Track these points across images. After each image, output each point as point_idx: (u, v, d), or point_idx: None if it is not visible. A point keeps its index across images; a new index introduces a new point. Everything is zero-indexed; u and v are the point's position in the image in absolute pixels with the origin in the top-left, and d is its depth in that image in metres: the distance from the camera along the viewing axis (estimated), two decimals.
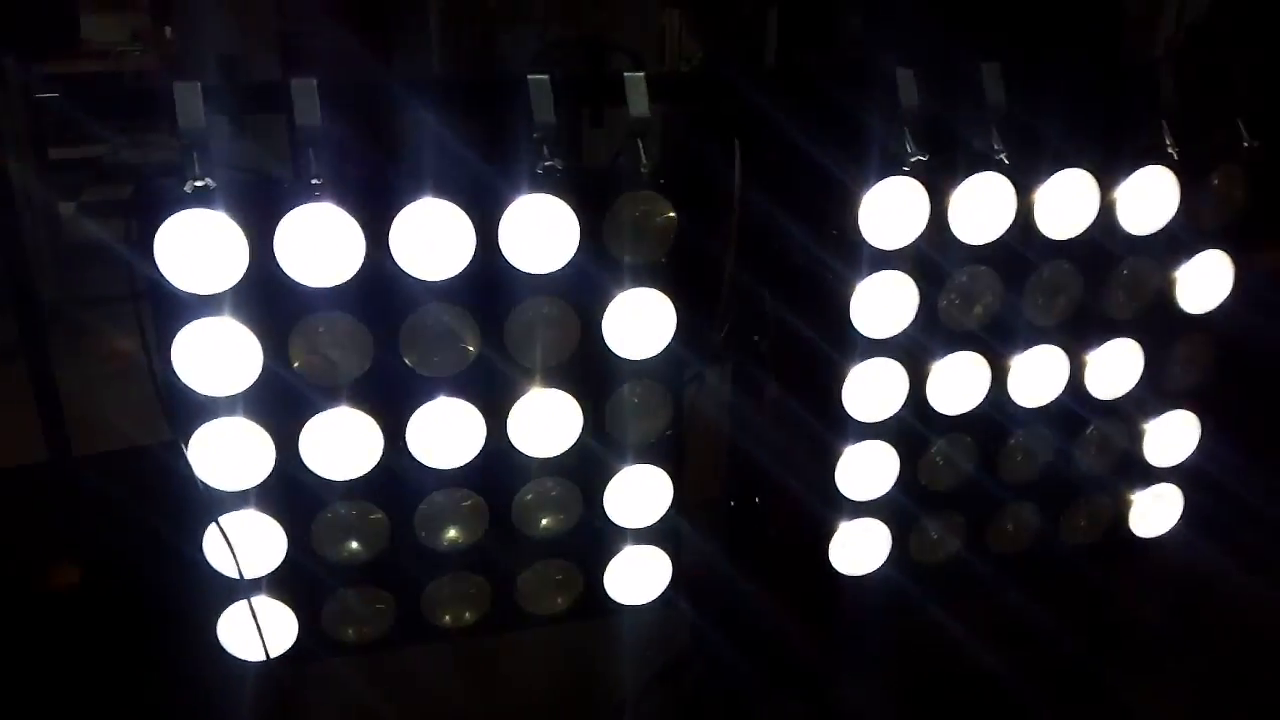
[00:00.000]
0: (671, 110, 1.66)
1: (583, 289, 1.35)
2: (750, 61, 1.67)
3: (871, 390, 1.50)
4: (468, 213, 1.24)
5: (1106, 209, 1.45)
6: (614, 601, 1.57)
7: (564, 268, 1.31)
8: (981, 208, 1.41)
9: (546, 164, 1.24)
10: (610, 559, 1.54)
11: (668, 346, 1.41)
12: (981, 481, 1.62)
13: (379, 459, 1.35)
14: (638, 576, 1.56)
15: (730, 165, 1.37)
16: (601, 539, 1.53)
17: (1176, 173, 1.44)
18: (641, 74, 1.24)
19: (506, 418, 1.39)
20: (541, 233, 1.28)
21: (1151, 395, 1.62)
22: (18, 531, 1.63)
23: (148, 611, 1.71)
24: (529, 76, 1.21)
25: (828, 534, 1.59)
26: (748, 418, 1.64)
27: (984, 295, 1.49)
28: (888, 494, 1.57)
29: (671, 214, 1.34)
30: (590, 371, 1.41)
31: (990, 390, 1.55)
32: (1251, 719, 1.85)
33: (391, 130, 1.40)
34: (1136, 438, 1.66)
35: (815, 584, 1.61)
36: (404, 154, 1.27)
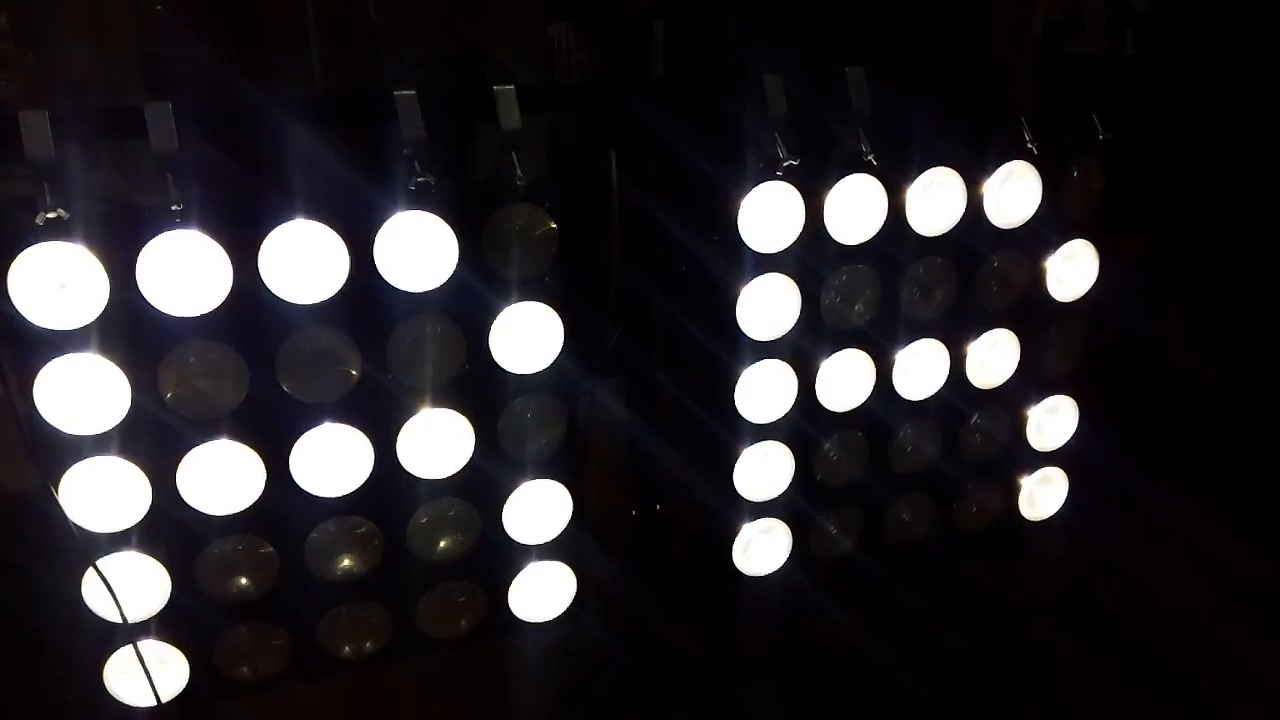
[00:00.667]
0: (558, 122, 1.66)
1: (466, 305, 1.33)
2: (637, 72, 1.67)
3: (763, 391, 1.51)
4: (340, 232, 1.22)
5: (974, 205, 1.50)
6: (519, 620, 1.55)
7: (444, 284, 1.29)
8: (855, 208, 1.44)
9: (419, 179, 1.23)
10: (513, 577, 1.53)
11: (556, 359, 1.40)
12: (874, 475, 1.65)
13: (262, 490, 1.31)
14: (542, 593, 1.55)
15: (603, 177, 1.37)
16: (503, 557, 1.51)
17: (1038, 167, 1.49)
18: (511, 87, 1.24)
19: (395, 440, 1.37)
20: (418, 250, 1.27)
21: (1030, 383, 1.67)
22: None
23: (32, 661, 1.64)
24: (396, 92, 1.20)
25: (729, 536, 1.60)
26: (644, 426, 1.64)
27: (863, 293, 1.53)
28: (785, 493, 1.59)
29: (552, 225, 1.34)
30: (480, 388, 1.39)
31: (876, 385, 1.58)
32: (1145, 697, 1.91)
33: (264, 153, 1.37)
34: (1020, 424, 1.71)
35: (720, 587, 1.62)
36: (273, 175, 1.25)
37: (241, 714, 1.47)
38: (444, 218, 1.26)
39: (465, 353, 1.37)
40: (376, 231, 1.25)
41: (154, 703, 1.36)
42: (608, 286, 1.43)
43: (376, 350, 1.31)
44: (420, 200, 1.25)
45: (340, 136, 1.41)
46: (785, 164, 1.36)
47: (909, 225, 1.48)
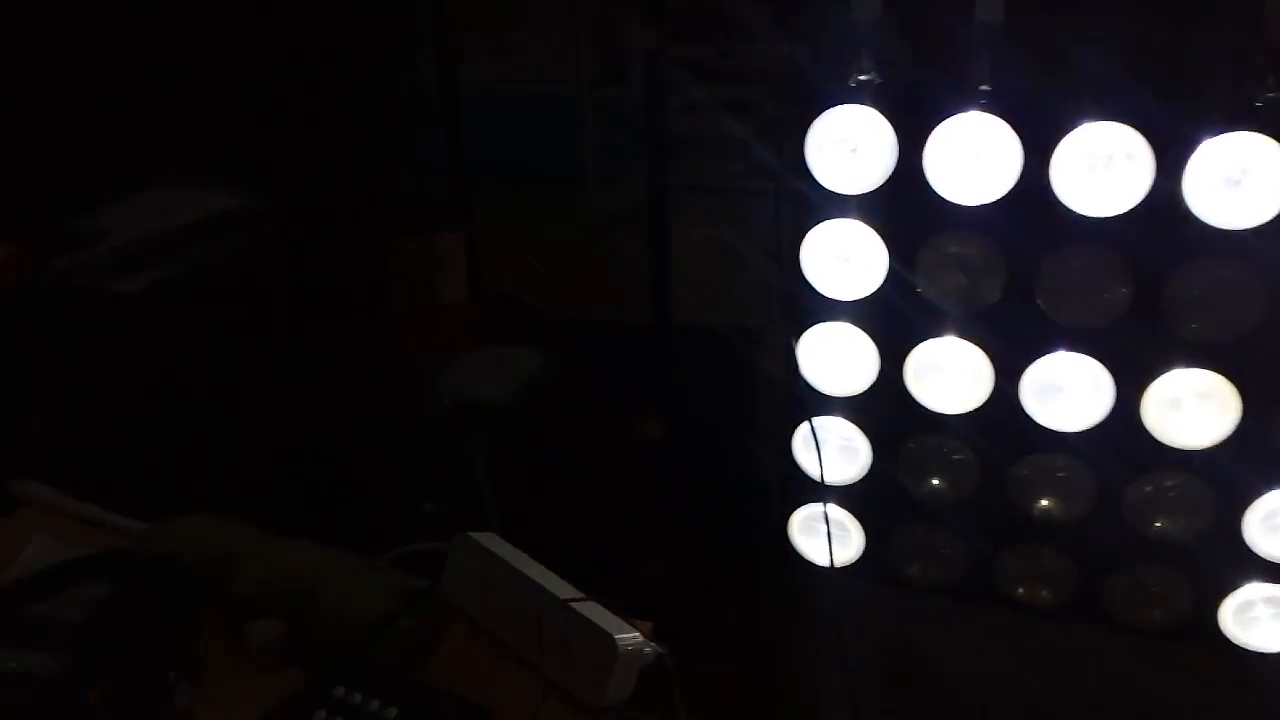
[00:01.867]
0: None
1: (1276, 256, 1.08)
2: None
3: None
4: (1150, 143, 1.05)
5: None
6: (1227, 639, 1.30)
7: (1260, 226, 1.05)
8: None
9: (1269, 95, 0.99)
10: (1232, 589, 1.27)
11: None
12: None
13: (985, 400, 1.24)
14: (1266, 618, 1.27)
15: None
16: (1227, 562, 1.26)
17: None
18: None
19: (1143, 392, 1.19)
20: (1244, 180, 1.04)
21: None
22: (617, 380, 1.83)
23: (720, 485, 1.79)
24: None
25: None
26: None
27: None
28: None
29: None
30: (1267, 357, 1.14)
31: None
32: None
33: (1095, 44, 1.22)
34: None
35: None
36: (1067, 66, 1.10)
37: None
38: None
39: (1262, 310, 1.11)
40: (1193, 150, 1.04)
41: (827, 563, 1.41)
42: None
43: (1153, 286, 1.13)
44: (1261, 120, 1.01)
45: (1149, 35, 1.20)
46: None
47: None
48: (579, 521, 1.80)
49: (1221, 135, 1.01)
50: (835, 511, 1.40)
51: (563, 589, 0.90)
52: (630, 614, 0.88)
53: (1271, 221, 1.04)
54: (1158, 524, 1.28)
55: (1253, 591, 1.26)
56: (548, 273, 3.02)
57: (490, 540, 0.97)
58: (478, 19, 3.83)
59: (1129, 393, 1.19)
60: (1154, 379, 1.18)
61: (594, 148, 3.91)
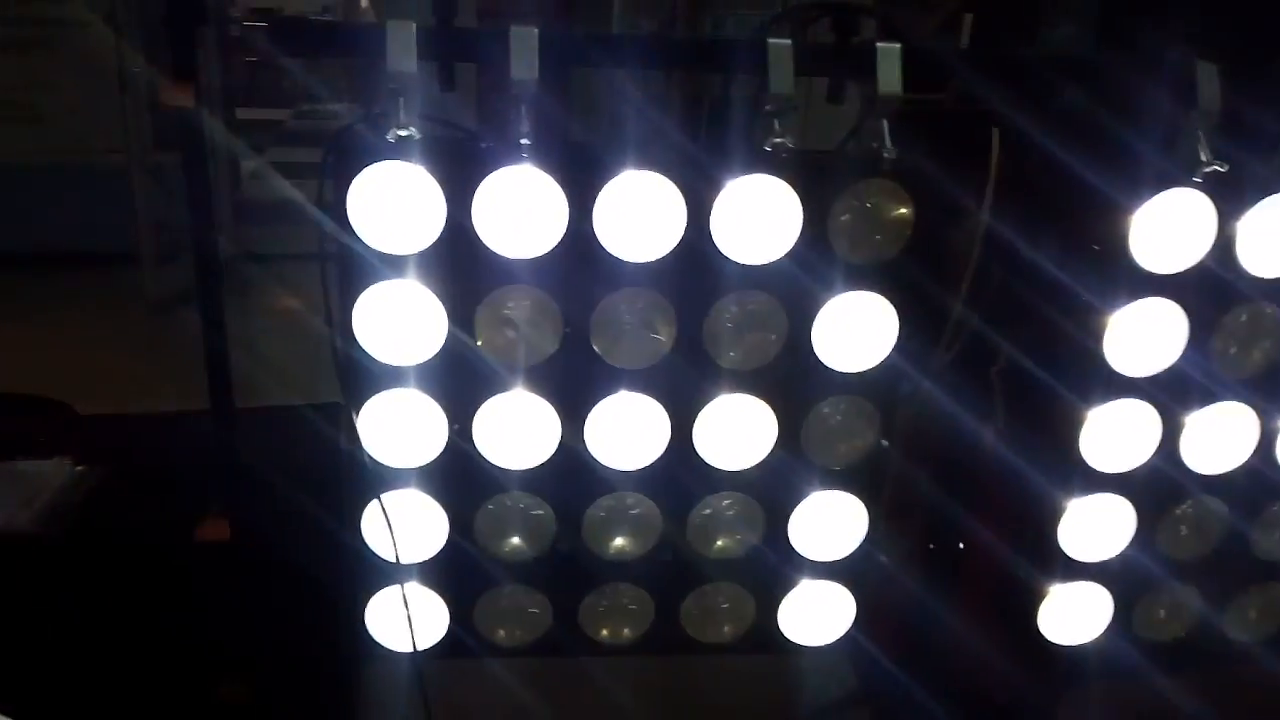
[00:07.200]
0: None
1: (796, 286, 1.20)
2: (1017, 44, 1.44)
3: (1115, 434, 1.29)
4: (681, 189, 1.11)
5: None
6: (787, 639, 1.41)
7: (780, 259, 1.16)
8: (1277, 235, 1.20)
9: (776, 141, 1.10)
10: (787, 592, 1.39)
11: (884, 361, 1.24)
12: (1228, 555, 1.39)
13: (554, 451, 1.24)
14: (817, 614, 1.40)
15: (979, 159, 1.19)
16: (780, 568, 1.38)
17: None
18: (897, 45, 1.08)
19: (694, 421, 1.26)
20: (760, 218, 1.14)
21: None
22: (173, 478, 1.61)
23: (293, 579, 1.65)
24: (770, 41, 1.07)
25: (1038, 595, 1.39)
26: (965, 449, 1.45)
27: (1264, 339, 1.27)
28: (1119, 555, 1.36)
29: (906, 210, 1.18)
30: (792, 380, 1.26)
31: (1257, 450, 1.32)
32: None
33: (605, 96, 1.28)
34: None
35: (1023, 648, 1.41)
36: (614, 121, 1.16)
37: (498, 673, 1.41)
38: (793, 186, 1.13)
39: (784, 339, 1.23)
40: (717, 192, 1.13)
41: (410, 648, 1.32)
42: (956, 287, 1.25)
43: (694, 322, 1.20)
44: (771, 164, 1.12)
45: (669, 83, 1.30)
46: (1209, 169, 1.13)
47: None
48: (136, 649, 1.52)
49: (741, 178, 1.10)
50: (416, 591, 1.31)
51: None
52: None
53: (786, 256, 1.15)
54: (719, 543, 1.37)
55: (805, 590, 1.38)
56: (92, 366, 2.58)
57: None
58: None
59: (684, 424, 1.25)
60: (702, 408, 1.25)
61: (150, 221, 3.45)
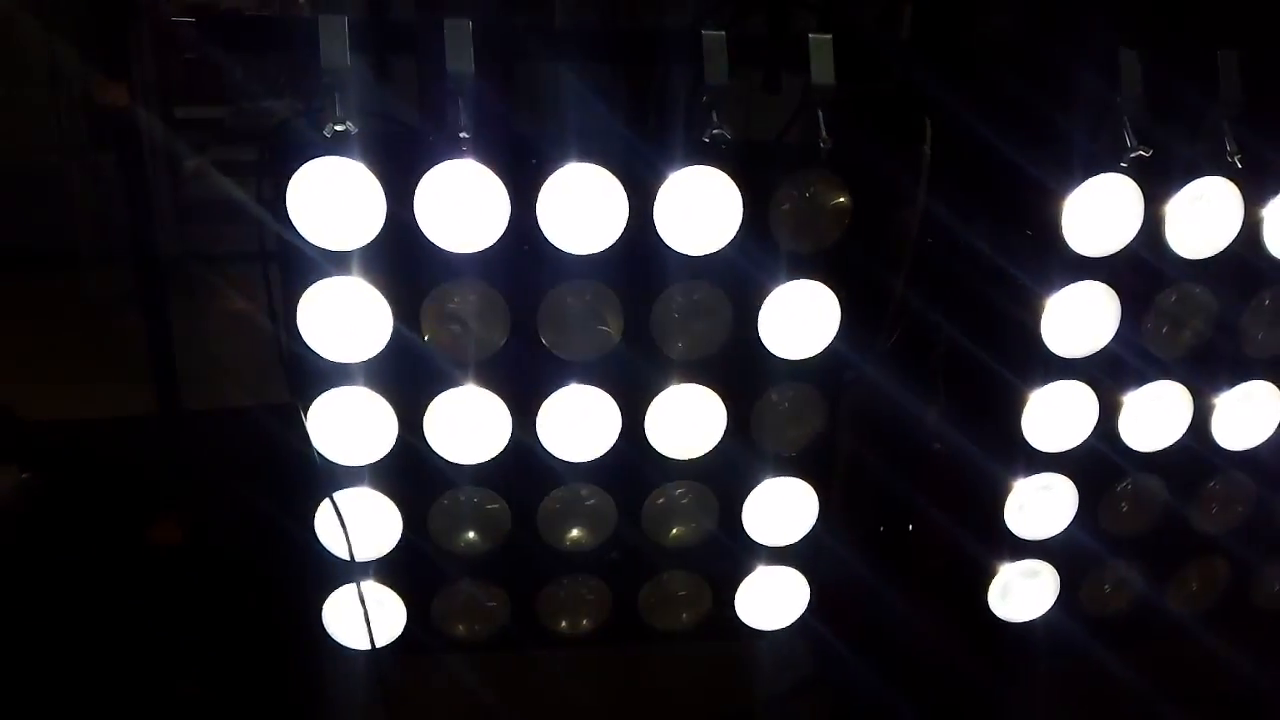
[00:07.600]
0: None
1: (739, 275, 1.22)
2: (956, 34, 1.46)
3: (1056, 416, 1.32)
4: (623, 181, 1.13)
5: None
6: (743, 625, 1.43)
7: (722, 250, 1.18)
8: (1203, 217, 1.23)
9: (715, 132, 1.12)
10: (742, 578, 1.41)
11: (828, 348, 1.26)
12: (1168, 530, 1.43)
13: (505, 444, 1.24)
14: (772, 599, 1.42)
15: (914, 148, 1.22)
16: (735, 555, 1.40)
17: None
18: (829, 36, 1.10)
19: (644, 412, 1.28)
20: (701, 210, 1.16)
21: None
22: (122, 483, 1.59)
23: (248, 579, 1.64)
24: (703, 32, 1.09)
25: (987, 574, 1.42)
26: (909, 434, 1.47)
27: (1195, 318, 1.31)
28: (1061, 535, 1.39)
29: (844, 199, 1.20)
30: (739, 368, 1.28)
31: (1191, 427, 1.36)
32: None
33: (546, 89, 1.29)
34: None
35: (971, 627, 1.44)
36: (555, 114, 1.17)
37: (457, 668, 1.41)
38: (733, 177, 1.14)
39: (730, 328, 1.25)
40: (660, 184, 1.14)
41: (368, 646, 1.32)
42: (894, 275, 1.28)
43: (640, 314, 1.22)
44: (710, 155, 1.14)
45: (614, 75, 1.32)
46: (1133, 154, 1.16)
47: (1265, 246, 1.25)
48: (90, 655, 1.51)
49: (681, 170, 1.12)
50: (372, 588, 1.31)
51: None
52: None
53: (728, 246, 1.17)
54: (674, 531, 1.38)
55: (760, 576, 1.40)
56: (32, 371, 2.54)
57: None
58: None
59: (634, 414, 1.26)
60: (652, 398, 1.27)
61: (89, 221, 3.40)
